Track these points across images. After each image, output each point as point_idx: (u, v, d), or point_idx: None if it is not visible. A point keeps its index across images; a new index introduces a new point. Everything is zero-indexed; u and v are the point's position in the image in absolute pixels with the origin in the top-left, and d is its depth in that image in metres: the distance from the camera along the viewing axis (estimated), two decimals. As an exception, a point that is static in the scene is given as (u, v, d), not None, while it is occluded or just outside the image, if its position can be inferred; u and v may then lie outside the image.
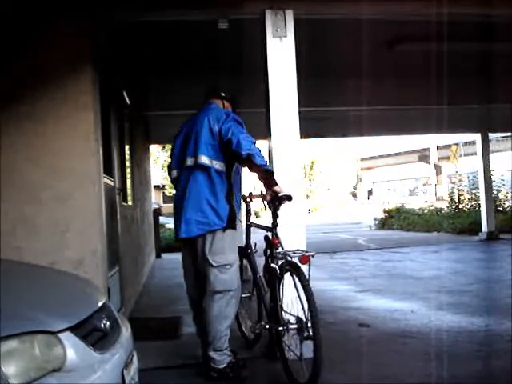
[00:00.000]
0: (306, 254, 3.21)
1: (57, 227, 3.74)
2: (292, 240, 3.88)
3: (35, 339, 1.72)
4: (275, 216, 3.52)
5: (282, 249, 3.43)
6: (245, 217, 4.05)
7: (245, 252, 3.99)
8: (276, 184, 3.35)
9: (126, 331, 2.27)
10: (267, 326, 3.49)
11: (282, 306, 3.36)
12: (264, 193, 3.59)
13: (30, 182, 3.75)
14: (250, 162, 3.24)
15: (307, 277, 3.15)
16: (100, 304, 2.20)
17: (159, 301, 6.12)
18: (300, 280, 3.14)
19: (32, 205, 3.73)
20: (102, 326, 2.06)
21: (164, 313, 5.39)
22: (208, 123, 3.40)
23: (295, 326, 3.19)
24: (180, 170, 3.55)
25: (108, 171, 4.61)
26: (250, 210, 4.06)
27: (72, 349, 1.79)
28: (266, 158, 4.06)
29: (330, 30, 5.95)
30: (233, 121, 3.38)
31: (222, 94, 3.74)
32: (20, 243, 3.65)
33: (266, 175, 3.34)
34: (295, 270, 3.20)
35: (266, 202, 3.60)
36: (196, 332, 3.72)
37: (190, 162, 3.44)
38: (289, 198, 3.38)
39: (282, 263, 3.36)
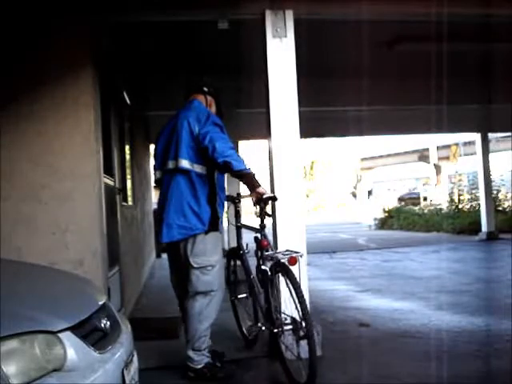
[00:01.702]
0: (294, 254, 3.20)
1: (57, 227, 3.74)
2: (292, 240, 3.89)
3: (35, 339, 1.72)
4: (262, 217, 3.51)
5: (272, 250, 3.42)
6: (234, 218, 4.02)
7: (237, 253, 3.99)
8: (259, 185, 3.30)
9: (126, 331, 2.28)
10: (263, 328, 3.49)
11: (275, 306, 3.37)
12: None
13: (30, 181, 3.75)
14: (228, 168, 3.22)
15: (297, 277, 3.14)
16: (100, 304, 2.20)
17: (159, 301, 6.11)
18: (290, 281, 3.14)
19: (32, 205, 3.73)
20: (102, 325, 2.06)
21: (164, 313, 5.39)
22: (188, 125, 3.36)
23: (290, 327, 3.19)
24: (162, 172, 3.54)
25: (108, 171, 4.61)
26: (239, 211, 4.01)
27: (72, 348, 1.79)
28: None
29: (330, 30, 5.94)
30: (212, 125, 3.34)
31: (205, 89, 3.66)
32: (20, 243, 3.65)
33: (247, 178, 3.28)
34: (285, 271, 3.21)
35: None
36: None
37: (171, 164, 3.43)
38: (273, 198, 3.36)
39: (272, 264, 3.37)
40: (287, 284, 3.17)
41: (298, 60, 3.97)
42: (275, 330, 3.30)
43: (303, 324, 3.04)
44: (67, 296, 2.22)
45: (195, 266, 3.37)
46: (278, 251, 3.38)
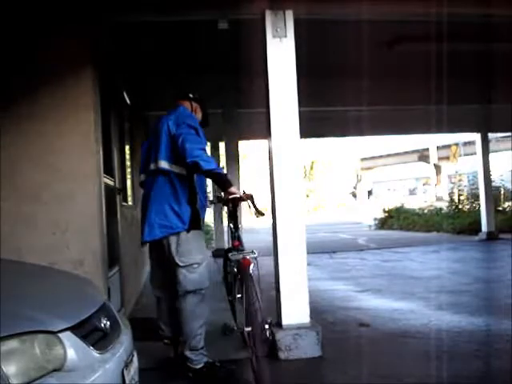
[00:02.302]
0: (248, 256, 3.20)
1: (57, 227, 3.74)
2: (292, 240, 3.90)
3: (35, 339, 1.72)
4: (235, 218, 3.55)
5: (243, 251, 3.46)
6: (227, 218, 4.06)
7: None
8: (230, 185, 3.34)
9: (126, 331, 2.28)
10: (235, 328, 3.56)
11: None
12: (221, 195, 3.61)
13: (31, 181, 3.75)
14: (197, 168, 3.27)
15: (252, 279, 3.22)
16: (100, 304, 2.20)
17: (159, 301, 6.11)
18: (244, 282, 3.21)
19: (32, 205, 3.73)
20: (102, 325, 2.06)
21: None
22: (168, 128, 3.45)
23: (249, 329, 3.21)
24: (145, 174, 3.63)
25: (108, 171, 4.61)
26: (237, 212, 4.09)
27: (72, 349, 1.79)
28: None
29: (330, 30, 5.95)
30: (187, 127, 3.39)
31: (190, 96, 3.76)
32: (20, 243, 3.65)
33: (218, 178, 3.34)
34: (240, 273, 3.28)
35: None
36: (161, 333, 3.71)
37: (152, 166, 3.51)
38: (239, 199, 3.39)
39: (236, 266, 3.44)
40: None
41: (298, 60, 3.97)
42: (236, 331, 3.41)
43: (265, 326, 3.09)
44: (67, 296, 2.22)
45: (181, 264, 3.40)
46: (240, 252, 3.42)
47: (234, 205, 3.47)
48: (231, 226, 3.68)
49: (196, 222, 3.45)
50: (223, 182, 3.34)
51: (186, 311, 3.40)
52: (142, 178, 3.68)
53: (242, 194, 3.43)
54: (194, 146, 3.27)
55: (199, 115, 3.74)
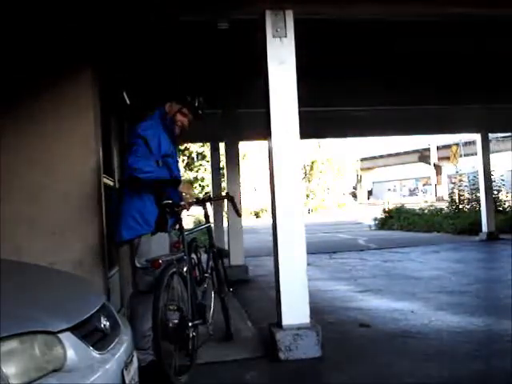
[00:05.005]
0: (160, 259, 3.24)
1: (57, 227, 3.75)
2: (292, 240, 3.89)
3: (35, 339, 1.72)
4: (180, 221, 3.61)
5: (183, 252, 3.54)
6: (204, 219, 4.25)
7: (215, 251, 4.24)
8: (179, 184, 3.53)
9: (126, 331, 2.28)
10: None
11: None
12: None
13: (30, 182, 3.75)
14: (135, 180, 3.37)
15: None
16: (100, 304, 2.20)
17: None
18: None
19: (32, 205, 3.73)
20: (102, 326, 2.06)
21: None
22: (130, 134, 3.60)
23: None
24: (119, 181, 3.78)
25: (108, 171, 4.61)
26: (207, 212, 4.21)
27: (72, 349, 1.79)
28: (266, 158, 4.10)
29: (330, 30, 5.94)
30: (134, 138, 3.48)
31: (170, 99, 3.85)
32: (20, 243, 3.65)
33: (164, 182, 3.46)
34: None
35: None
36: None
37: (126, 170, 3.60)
38: (172, 205, 3.47)
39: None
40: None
41: (298, 60, 3.96)
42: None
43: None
44: (67, 296, 2.23)
45: (139, 265, 3.45)
46: (175, 253, 3.52)
47: (178, 209, 3.52)
48: (176, 227, 3.73)
49: (162, 226, 3.48)
50: (172, 183, 3.50)
51: (135, 312, 3.45)
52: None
53: (225, 195, 3.60)
54: (132, 160, 3.36)
55: (181, 117, 3.72)
